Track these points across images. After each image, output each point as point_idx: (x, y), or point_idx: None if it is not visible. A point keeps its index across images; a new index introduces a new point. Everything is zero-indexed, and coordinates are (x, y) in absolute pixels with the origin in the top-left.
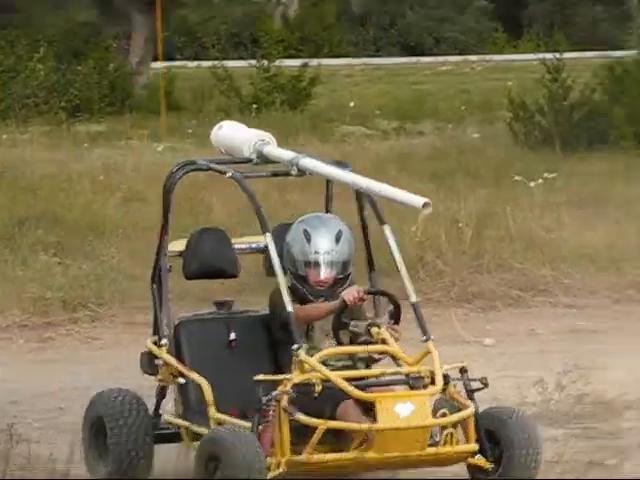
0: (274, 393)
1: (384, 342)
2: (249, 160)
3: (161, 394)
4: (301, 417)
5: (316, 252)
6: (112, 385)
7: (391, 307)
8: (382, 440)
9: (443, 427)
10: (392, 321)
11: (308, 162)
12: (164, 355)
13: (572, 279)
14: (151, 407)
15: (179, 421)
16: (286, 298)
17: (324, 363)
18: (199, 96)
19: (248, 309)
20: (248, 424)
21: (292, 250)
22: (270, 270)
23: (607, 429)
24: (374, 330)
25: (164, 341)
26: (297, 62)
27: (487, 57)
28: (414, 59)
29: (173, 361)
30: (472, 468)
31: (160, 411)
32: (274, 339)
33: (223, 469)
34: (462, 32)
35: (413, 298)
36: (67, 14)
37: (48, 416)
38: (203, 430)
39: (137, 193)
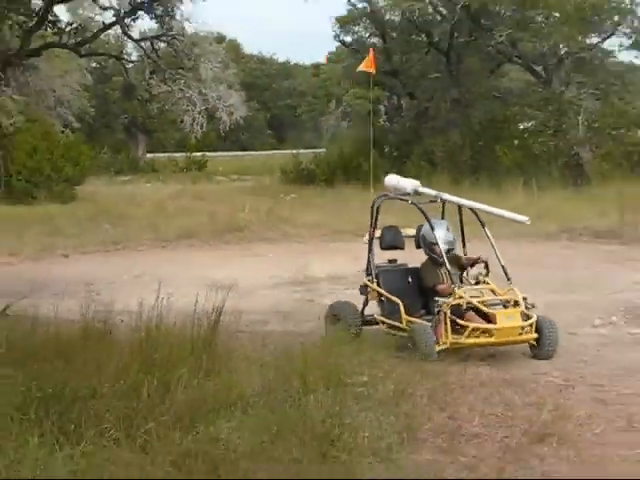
0: (442, 304)
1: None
2: (409, 194)
3: (365, 304)
4: (456, 319)
5: (438, 237)
6: None
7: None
8: (500, 332)
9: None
10: (485, 271)
11: (447, 196)
12: (373, 285)
13: None
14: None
15: (382, 319)
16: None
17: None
18: None
19: (404, 263)
20: (427, 323)
21: (426, 236)
22: (418, 246)
23: None
24: (481, 278)
25: (370, 278)
26: None
27: None
28: None
29: (377, 288)
30: (531, 345)
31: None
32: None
33: (415, 348)
34: None
35: (502, 262)
36: None
37: None
38: (396, 323)
39: None
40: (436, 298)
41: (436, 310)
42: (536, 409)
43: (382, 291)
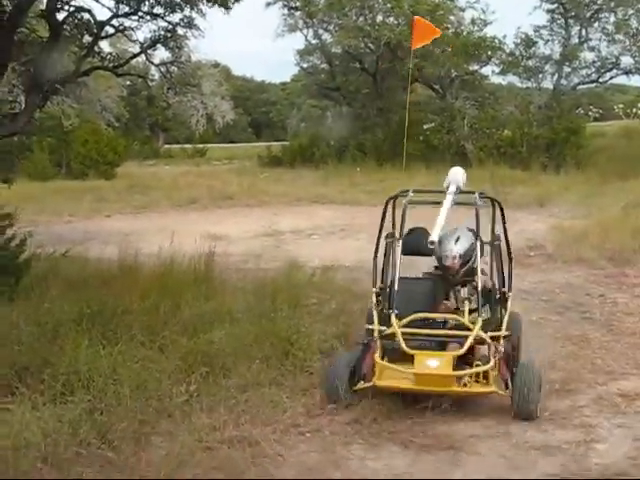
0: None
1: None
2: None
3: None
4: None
5: (442, 250)
6: None
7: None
8: (420, 379)
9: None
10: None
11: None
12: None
13: None
14: None
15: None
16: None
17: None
18: None
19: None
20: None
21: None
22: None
23: None
24: (461, 305)
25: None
26: None
27: None
28: None
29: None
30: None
31: None
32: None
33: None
34: None
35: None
36: None
37: None
38: None
39: None
40: (367, 325)
41: (365, 340)
42: None
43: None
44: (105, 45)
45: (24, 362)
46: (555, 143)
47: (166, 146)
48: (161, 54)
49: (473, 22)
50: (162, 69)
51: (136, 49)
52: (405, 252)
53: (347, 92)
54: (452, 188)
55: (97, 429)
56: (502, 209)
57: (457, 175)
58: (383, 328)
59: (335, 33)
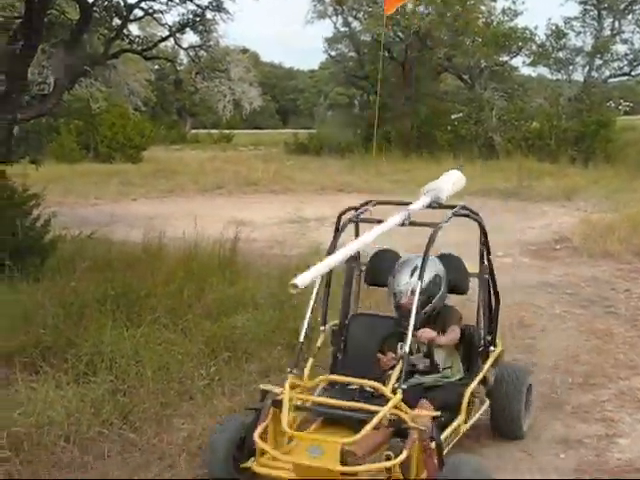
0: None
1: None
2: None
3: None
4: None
5: (394, 283)
6: None
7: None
8: (299, 469)
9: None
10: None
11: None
12: None
13: None
14: None
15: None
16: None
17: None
18: None
19: None
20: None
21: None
22: None
23: None
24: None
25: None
26: None
27: None
28: None
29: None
30: None
31: None
32: None
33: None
34: None
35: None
36: None
37: None
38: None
39: None
40: (261, 385)
41: (257, 404)
42: None
43: None
44: (134, 28)
45: (49, 342)
46: (584, 136)
47: (193, 131)
48: (190, 38)
49: (504, 12)
50: (191, 53)
51: (165, 33)
52: (369, 281)
53: (375, 81)
54: (420, 201)
55: (119, 410)
56: (484, 228)
57: (442, 184)
58: (277, 391)
59: (364, 21)
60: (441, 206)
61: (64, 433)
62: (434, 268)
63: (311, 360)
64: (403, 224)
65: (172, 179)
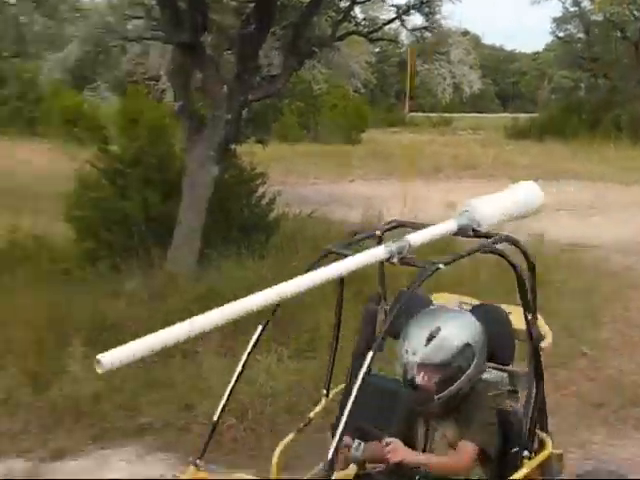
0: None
1: None
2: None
3: None
4: None
5: (402, 349)
6: None
7: None
8: None
9: None
10: None
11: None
12: None
13: None
14: None
15: None
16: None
17: None
18: None
19: None
20: None
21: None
22: None
23: None
24: None
25: None
26: None
27: None
28: None
29: None
30: None
31: None
32: None
33: None
34: None
35: None
36: None
37: None
38: None
39: None
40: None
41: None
42: None
43: None
44: (357, 12)
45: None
46: None
47: (411, 114)
48: (414, 20)
49: None
50: (416, 34)
51: (390, 15)
52: (394, 333)
53: (604, 62)
54: (443, 225)
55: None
56: (521, 277)
57: (489, 202)
58: None
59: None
60: (477, 235)
61: (285, 404)
62: (466, 332)
63: (289, 436)
64: (389, 260)
65: (389, 161)
